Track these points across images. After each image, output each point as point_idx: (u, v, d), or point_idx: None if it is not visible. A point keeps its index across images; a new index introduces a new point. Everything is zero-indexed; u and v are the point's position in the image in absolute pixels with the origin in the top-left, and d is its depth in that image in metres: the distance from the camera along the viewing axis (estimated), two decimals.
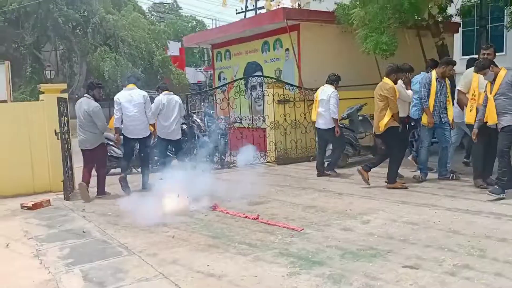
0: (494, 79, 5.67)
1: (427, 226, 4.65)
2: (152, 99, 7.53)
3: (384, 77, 6.86)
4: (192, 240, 4.60)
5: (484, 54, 6.23)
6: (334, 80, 8.00)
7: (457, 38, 19.47)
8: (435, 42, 11.41)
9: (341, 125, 9.02)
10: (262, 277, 3.57)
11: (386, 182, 6.67)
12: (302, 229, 4.75)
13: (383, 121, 6.58)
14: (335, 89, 7.96)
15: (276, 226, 4.92)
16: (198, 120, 10.12)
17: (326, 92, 7.91)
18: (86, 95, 6.99)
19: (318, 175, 7.94)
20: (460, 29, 20.83)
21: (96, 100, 6.93)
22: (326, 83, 8.08)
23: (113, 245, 4.60)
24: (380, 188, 6.61)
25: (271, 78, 10.29)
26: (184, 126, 9.76)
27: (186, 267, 3.87)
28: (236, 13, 30.09)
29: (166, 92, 7.87)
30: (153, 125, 7.34)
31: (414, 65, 11.59)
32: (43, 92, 7.80)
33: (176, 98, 7.90)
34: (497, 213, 4.99)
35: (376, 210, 5.40)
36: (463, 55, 20.51)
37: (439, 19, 11.21)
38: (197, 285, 3.48)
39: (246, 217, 5.34)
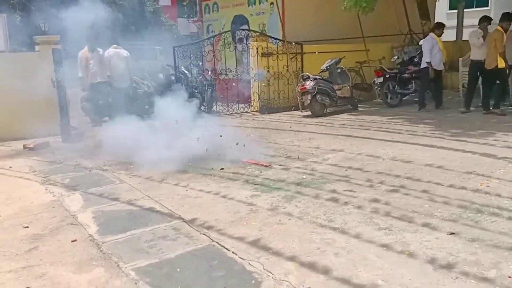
0: None
1: (376, 162, 5.45)
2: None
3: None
4: (177, 174, 5.36)
5: None
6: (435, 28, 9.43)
7: None
8: None
9: (319, 77, 9.69)
10: (229, 196, 4.38)
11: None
12: (269, 165, 5.54)
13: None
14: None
15: (248, 162, 5.70)
16: (186, 72, 10.69)
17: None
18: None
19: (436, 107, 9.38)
20: None
21: None
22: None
23: (108, 176, 5.38)
24: (350, 130, 7.42)
25: (255, 31, 10.80)
26: (173, 77, 10.40)
27: (169, 191, 4.67)
28: None
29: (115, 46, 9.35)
30: None
31: (397, 21, 12.16)
32: (38, 43, 8.34)
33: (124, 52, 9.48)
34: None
35: (338, 150, 6.18)
36: (450, 9, 20.84)
37: None
38: (176, 203, 4.28)
39: None
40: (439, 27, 9.28)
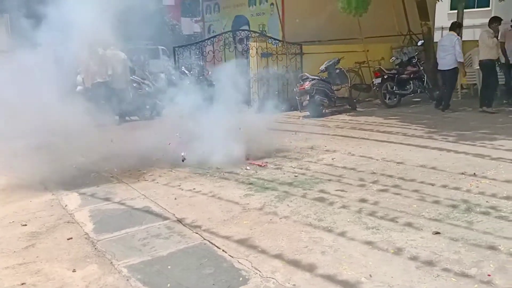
0: None
1: (369, 162, 5.52)
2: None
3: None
4: (173, 174, 5.47)
5: None
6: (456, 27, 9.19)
7: None
8: None
9: (318, 78, 9.76)
10: (223, 196, 4.48)
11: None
12: (265, 165, 5.63)
13: None
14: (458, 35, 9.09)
15: (244, 162, 5.79)
16: (186, 72, 10.78)
17: (448, 39, 9.04)
18: None
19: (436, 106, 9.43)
20: None
21: None
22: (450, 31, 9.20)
23: (105, 175, 5.48)
24: (347, 131, 7.51)
25: (255, 32, 10.88)
26: (173, 77, 10.50)
27: (164, 191, 4.77)
28: None
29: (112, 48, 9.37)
30: None
31: (396, 21, 12.18)
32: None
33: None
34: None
35: (333, 151, 6.26)
36: (451, 9, 20.79)
37: None
38: (171, 202, 4.38)
39: None
40: (456, 27, 9.21)
